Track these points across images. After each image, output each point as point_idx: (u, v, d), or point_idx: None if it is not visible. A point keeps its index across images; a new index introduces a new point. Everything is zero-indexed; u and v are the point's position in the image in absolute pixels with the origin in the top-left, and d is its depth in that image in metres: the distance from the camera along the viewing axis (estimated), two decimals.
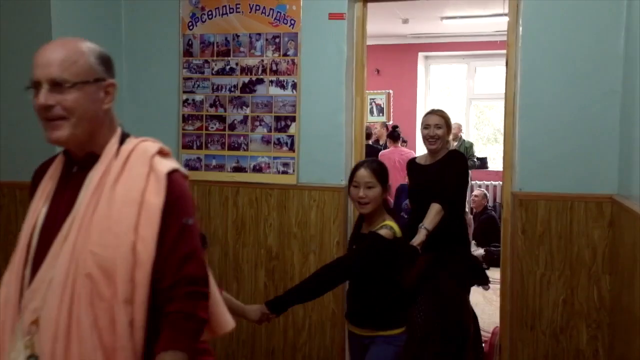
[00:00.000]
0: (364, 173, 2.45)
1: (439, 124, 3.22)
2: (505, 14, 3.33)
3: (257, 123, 3.48)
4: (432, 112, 3.34)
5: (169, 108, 3.65)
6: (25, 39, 3.09)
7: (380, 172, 2.46)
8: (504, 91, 3.29)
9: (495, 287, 5.63)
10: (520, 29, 3.10)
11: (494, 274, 6.27)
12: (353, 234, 2.65)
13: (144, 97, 3.68)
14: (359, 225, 2.60)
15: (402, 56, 8.98)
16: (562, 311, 3.05)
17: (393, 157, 6.82)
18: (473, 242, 7.17)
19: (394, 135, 7.34)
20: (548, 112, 3.06)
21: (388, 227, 2.40)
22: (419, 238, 2.87)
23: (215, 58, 3.54)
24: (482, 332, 4.49)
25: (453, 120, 8.31)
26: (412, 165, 3.43)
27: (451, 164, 3.16)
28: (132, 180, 1.42)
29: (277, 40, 3.42)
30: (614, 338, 2.89)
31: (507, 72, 3.26)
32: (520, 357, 3.11)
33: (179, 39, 3.59)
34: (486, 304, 5.30)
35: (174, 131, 3.63)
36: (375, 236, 2.39)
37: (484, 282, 3.68)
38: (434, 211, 2.96)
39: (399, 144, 7.38)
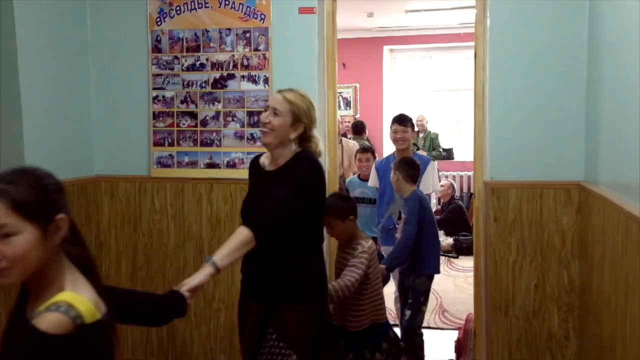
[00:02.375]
0: None
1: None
2: (472, 7, 3.38)
3: (229, 119, 3.47)
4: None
5: (138, 105, 3.60)
6: None
7: None
8: (473, 83, 3.34)
9: (466, 275, 5.75)
10: (488, 21, 3.16)
11: (463, 262, 6.41)
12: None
13: (112, 94, 3.62)
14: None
15: (368, 50, 9.04)
16: (534, 296, 3.14)
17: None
18: (441, 231, 7.30)
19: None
20: (516, 103, 3.14)
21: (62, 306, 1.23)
22: (198, 277, 1.97)
23: (184, 54, 3.50)
24: (455, 319, 4.59)
25: (418, 112, 8.45)
26: (255, 166, 2.49)
27: (292, 172, 2.26)
28: None
29: (247, 35, 3.41)
30: (584, 320, 2.99)
31: (475, 64, 3.31)
32: (494, 342, 3.20)
33: (147, 35, 3.54)
34: (458, 292, 5.41)
35: (145, 128, 3.59)
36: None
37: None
38: (237, 240, 2.06)
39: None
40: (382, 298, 2.94)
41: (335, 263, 2.99)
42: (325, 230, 2.68)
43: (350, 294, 2.72)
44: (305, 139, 2.37)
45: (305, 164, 2.29)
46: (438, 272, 3.59)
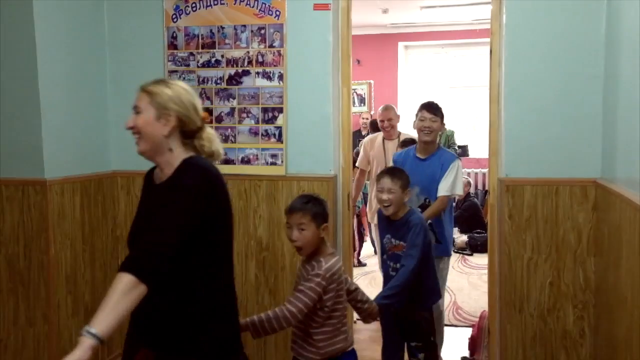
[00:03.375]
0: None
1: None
2: (488, 2, 3.37)
3: (244, 115, 3.48)
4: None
5: None
6: (6, 33, 3.05)
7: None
8: (489, 79, 3.33)
9: (480, 273, 5.73)
10: (504, 17, 3.15)
11: (477, 259, 6.39)
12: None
13: (128, 91, 3.58)
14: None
15: (383, 46, 9.01)
16: (549, 293, 3.12)
17: None
18: (456, 229, 7.27)
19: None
20: (532, 99, 3.12)
21: None
22: (75, 355, 1.55)
23: (200, 50, 3.52)
24: (469, 317, 4.58)
25: None
26: (146, 179, 2.02)
27: (174, 186, 1.78)
28: None
29: (262, 31, 3.42)
30: (600, 318, 2.97)
31: (491, 60, 3.30)
32: (509, 340, 3.18)
33: (163, 31, 3.57)
34: (472, 289, 5.39)
35: None
36: None
37: None
38: (115, 294, 1.60)
39: None
40: (343, 327, 2.36)
41: (296, 277, 2.48)
42: (289, 235, 2.32)
43: (292, 325, 2.25)
44: (190, 135, 1.87)
45: (191, 174, 1.76)
46: (440, 296, 3.26)
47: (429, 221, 3.35)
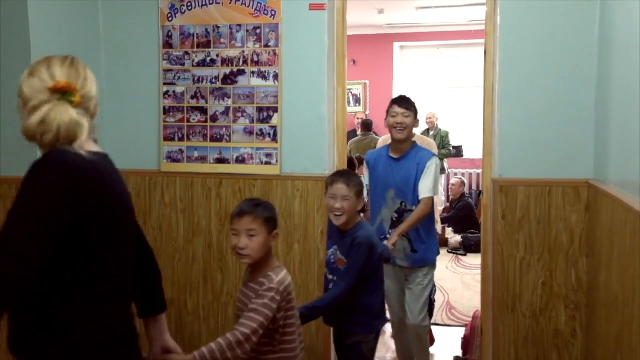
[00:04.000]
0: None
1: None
2: (482, 3, 3.38)
3: (239, 114, 3.49)
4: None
5: (149, 100, 3.63)
6: (1, 32, 3.04)
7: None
8: (482, 79, 3.34)
9: (473, 272, 5.76)
10: (498, 17, 3.16)
11: (471, 259, 6.42)
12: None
13: (123, 89, 3.65)
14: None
15: (378, 46, 9.03)
16: (541, 293, 3.14)
17: None
18: (450, 228, 7.30)
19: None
20: (526, 100, 3.13)
21: None
22: None
23: (195, 49, 3.52)
24: (462, 316, 4.60)
25: (428, 110, 8.45)
26: None
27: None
28: None
29: (257, 31, 3.43)
30: (591, 318, 2.99)
31: (485, 61, 3.31)
32: (501, 339, 3.20)
33: (158, 30, 3.57)
34: (465, 289, 5.41)
35: (155, 123, 3.62)
36: None
37: None
38: None
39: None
40: (298, 347, 2.17)
41: (236, 302, 2.24)
42: (234, 243, 2.07)
43: (247, 350, 1.97)
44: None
45: (42, 171, 1.42)
46: (386, 320, 2.95)
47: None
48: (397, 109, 3.31)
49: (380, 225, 3.40)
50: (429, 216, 3.34)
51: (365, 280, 2.59)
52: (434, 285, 3.62)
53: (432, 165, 3.25)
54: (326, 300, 2.58)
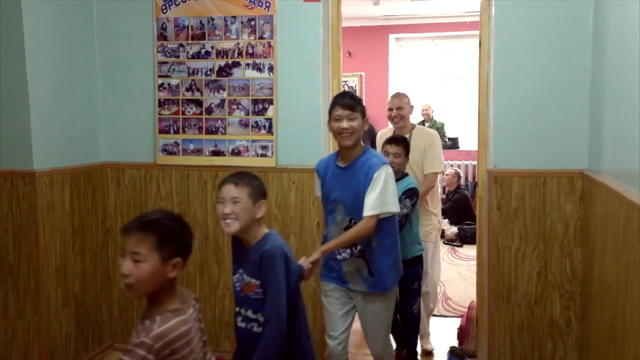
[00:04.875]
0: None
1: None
2: None
3: (234, 106, 3.48)
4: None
5: (144, 93, 3.62)
6: None
7: None
8: (477, 71, 3.35)
9: (469, 264, 5.78)
10: (493, 9, 3.16)
11: (467, 251, 6.44)
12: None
13: (118, 82, 3.65)
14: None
15: (374, 38, 9.02)
16: (536, 283, 3.16)
17: None
18: (446, 220, 7.32)
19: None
20: (521, 91, 3.14)
21: None
22: None
23: (190, 42, 3.51)
24: (458, 307, 4.63)
25: (424, 101, 8.43)
26: None
27: None
28: None
29: (252, 23, 3.42)
30: (586, 307, 3.01)
31: (480, 52, 3.31)
32: (496, 329, 3.22)
33: (152, 22, 3.55)
34: (461, 280, 5.43)
35: (150, 116, 3.62)
36: None
37: None
38: None
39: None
40: None
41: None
42: (122, 267, 1.64)
43: None
44: None
45: None
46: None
47: (359, 247, 2.68)
48: (340, 111, 2.63)
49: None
50: (391, 234, 2.73)
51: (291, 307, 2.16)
52: (419, 298, 3.37)
53: (382, 176, 2.59)
54: (263, 351, 2.09)
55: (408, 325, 3.39)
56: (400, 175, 3.19)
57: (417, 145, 3.67)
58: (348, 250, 2.72)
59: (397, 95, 3.88)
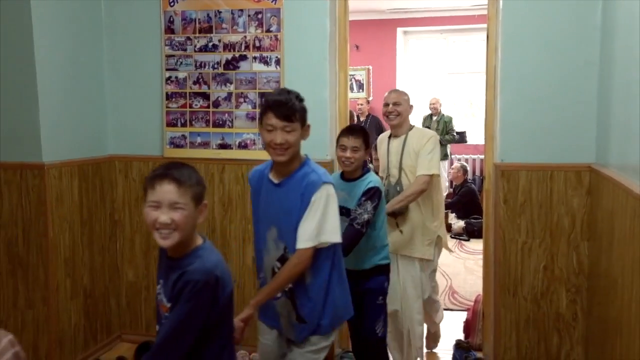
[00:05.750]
0: None
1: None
2: None
3: (241, 100, 3.49)
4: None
5: (151, 86, 3.64)
6: (3, 18, 3.05)
7: None
8: (485, 64, 3.34)
9: (476, 258, 5.77)
10: (500, 2, 3.15)
11: (474, 245, 6.43)
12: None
13: (126, 75, 3.67)
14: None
15: (381, 32, 8.99)
16: (542, 277, 3.15)
17: None
18: (453, 214, 7.31)
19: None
20: (528, 84, 3.13)
21: None
22: None
23: (197, 35, 3.52)
24: (465, 301, 4.63)
25: (432, 95, 8.39)
26: None
27: None
28: None
29: (259, 16, 3.42)
30: (592, 301, 3.01)
31: (487, 46, 3.30)
32: (503, 323, 3.22)
33: (160, 16, 3.56)
34: (468, 274, 5.43)
35: (158, 109, 3.63)
36: None
37: None
38: None
39: None
40: None
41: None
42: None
43: None
44: None
45: None
46: None
47: (289, 285, 2.18)
48: (273, 120, 2.10)
49: (264, 281, 2.29)
50: (326, 269, 2.20)
51: (206, 340, 1.73)
52: (383, 317, 2.80)
53: (321, 199, 2.10)
54: None
55: (370, 350, 2.81)
56: (359, 173, 2.75)
57: (412, 148, 3.29)
58: None
59: (396, 91, 3.49)
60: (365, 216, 2.63)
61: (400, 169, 3.31)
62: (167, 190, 1.67)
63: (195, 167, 1.78)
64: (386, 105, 3.38)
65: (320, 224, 2.10)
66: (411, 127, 3.40)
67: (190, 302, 1.65)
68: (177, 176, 1.69)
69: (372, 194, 2.67)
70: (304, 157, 2.22)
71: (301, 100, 2.17)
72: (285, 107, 2.09)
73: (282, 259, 2.19)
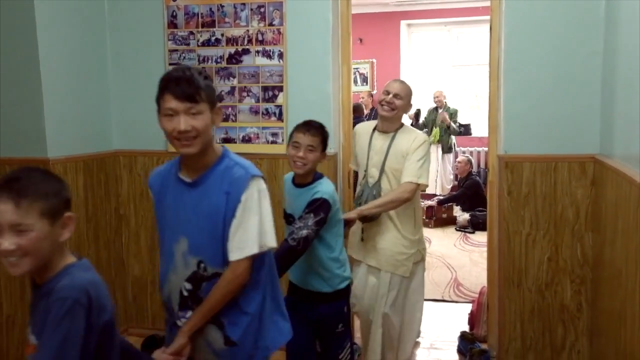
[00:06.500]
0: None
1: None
2: None
3: (244, 94, 3.50)
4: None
5: (155, 80, 3.58)
6: (7, 15, 3.06)
7: None
8: (488, 56, 3.33)
9: (481, 250, 5.78)
10: None
11: (479, 237, 6.43)
12: None
13: (129, 70, 3.67)
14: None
15: (385, 24, 8.97)
16: (547, 268, 3.16)
17: None
18: (458, 207, 7.31)
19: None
20: (531, 76, 3.12)
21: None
22: None
23: (200, 29, 3.53)
24: (469, 293, 4.63)
25: (436, 88, 8.36)
26: None
27: None
28: None
29: (262, 10, 3.42)
30: (597, 292, 3.00)
31: (491, 37, 3.29)
32: (507, 314, 3.23)
33: (162, 10, 3.57)
34: (472, 266, 5.44)
35: None
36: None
37: None
38: None
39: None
40: None
41: None
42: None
43: None
44: None
45: None
46: None
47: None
48: (173, 103, 1.74)
49: (169, 300, 1.86)
50: (261, 279, 1.83)
51: None
52: (348, 344, 2.51)
53: (253, 198, 1.74)
54: None
55: None
56: (310, 179, 2.37)
57: (399, 149, 2.96)
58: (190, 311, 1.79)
59: (401, 82, 3.12)
60: (304, 232, 2.21)
61: (382, 170, 2.97)
62: (3, 211, 1.33)
63: (51, 171, 1.45)
64: (386, 93, 3.01)
65: (259, 228, 1.73)
66: (401, 126, 3.06)
67: (60, 326, 1.32)
68: (15, 191, 1.35)
69: (317, 206, 2.26)
70: (220, 148, 1.83)
71: (206, 77, 1.74)
72: (186, 84, 1.68)
73: (194, 279, 1.77)
